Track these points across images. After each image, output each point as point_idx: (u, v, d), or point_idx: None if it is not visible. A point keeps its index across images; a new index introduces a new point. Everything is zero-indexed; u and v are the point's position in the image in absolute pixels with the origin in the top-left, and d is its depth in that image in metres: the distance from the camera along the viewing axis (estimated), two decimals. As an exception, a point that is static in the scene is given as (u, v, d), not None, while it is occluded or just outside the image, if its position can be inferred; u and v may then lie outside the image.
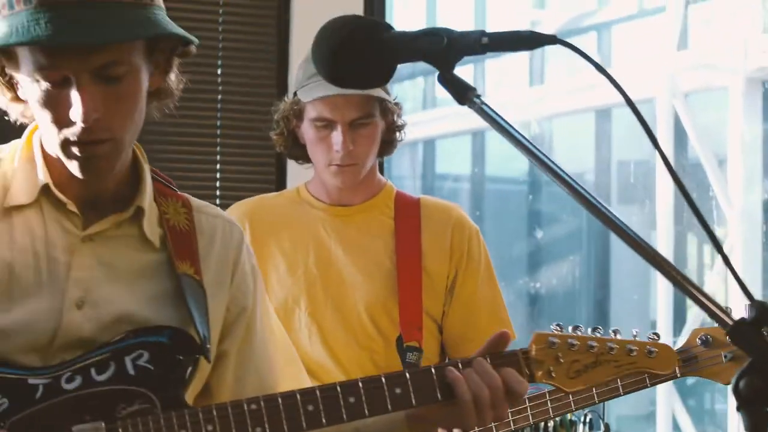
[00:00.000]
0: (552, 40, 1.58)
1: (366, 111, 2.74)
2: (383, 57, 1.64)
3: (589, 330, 2.15)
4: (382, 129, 2.82)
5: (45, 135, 1.75)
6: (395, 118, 2.85)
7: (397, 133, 2.89)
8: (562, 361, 2.12)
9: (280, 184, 3.81)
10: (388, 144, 2.89)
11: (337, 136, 2.74)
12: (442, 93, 8.05)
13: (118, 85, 1.69)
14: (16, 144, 1.84)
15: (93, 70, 1.66)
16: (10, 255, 1.73)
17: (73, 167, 1.73)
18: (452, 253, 2.84)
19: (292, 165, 3.38)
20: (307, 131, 2.81)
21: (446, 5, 7.87)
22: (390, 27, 1.66)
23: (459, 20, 7.92)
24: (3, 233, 1.75)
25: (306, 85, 2.74)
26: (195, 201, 1.96)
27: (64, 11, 1.63)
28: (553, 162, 1.54)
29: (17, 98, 1.74)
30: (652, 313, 6.86)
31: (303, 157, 2.91)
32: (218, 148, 3.97)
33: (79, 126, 1.66)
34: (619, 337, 2.17)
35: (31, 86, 1.68)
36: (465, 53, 1.62)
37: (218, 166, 3.97)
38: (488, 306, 2.84)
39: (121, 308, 1.77)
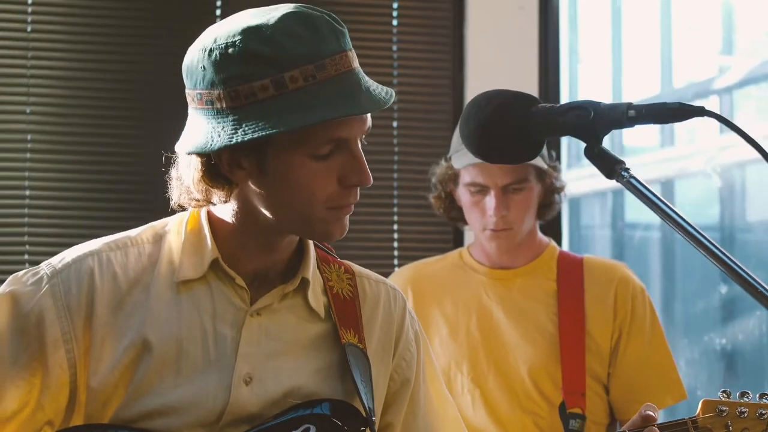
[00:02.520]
0: (701, 111, 1.57)
1: (519, 176, 2.74)
2: (530, 132, 1.64)
3: (757, 396, 2.10)
4: (539, 192, 2.81)
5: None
6: (553, 181, 2.83)
7: (556, 196, 2.86)
8: (731, 429, 2.07)
9: (457, 244, 3.81)
10: (547, 207, 2.87)
11: (490, 201, 2.75)
12: (630, 141, 7.95)
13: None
14: (180, 218, 1.86)
15: (365, 133, 1.74)
16: (178, 330, 1.76)
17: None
18: (616, 313, 2.80)
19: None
20: (463, 195, 2.83)
21: (632, 58, 7.77)
22: (537, 101, 1.65)
23: (644, 68, 7.79)
24: (171, 308, 1.77)
25: (459, 151, 2.75)
26: (357, 267, 1.98)
27: (337, 83, 1.67)
28: (705, 237, 1.52)
29: (221, 180, 1.73)
30: None
31: (461, 219, 2.93)
32: (395, 209, 4.01)
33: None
34: (791, 404, 2.11)
35: (312, 164, 1.69)
36: (612, 127, 1.61)
37: (395, 227, 4.01)
38: (656, 366, 2.78)
39: (289, 382, 1.79)
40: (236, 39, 1.66)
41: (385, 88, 1.75)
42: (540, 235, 2.92)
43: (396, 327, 1.94)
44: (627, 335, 2.79)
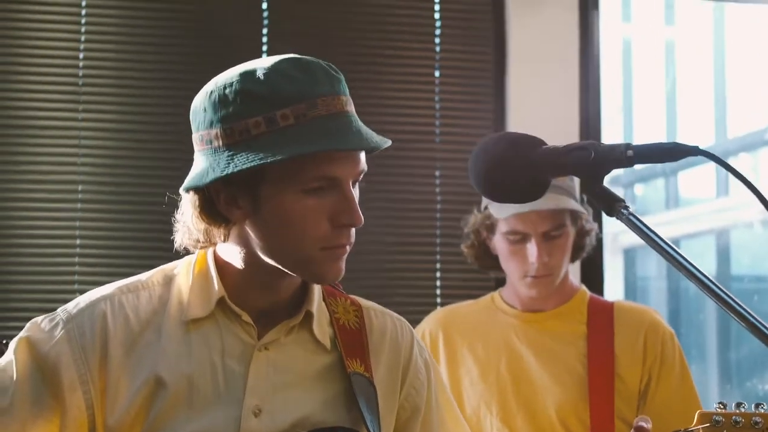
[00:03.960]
0: (695, 151, 1.61)
1: (558, 222, 2.78)
2: (535, 173, 1.69)
3: (753, 406, 2.12)
4: (573, 236, 2.84)
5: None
6: (584, 224, 2.86)
7: (587, 238, 2.90)
8: None
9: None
10: (579, 249, 2.91)
11: (531, 248, 2.78)
12: (685, 193, 7.91)
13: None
14: (189, 260, 1.93)
15: (358, 175, 1.78)
16: (189, 367, 1.81)
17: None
18: (645, 357, 2.82)
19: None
20: (500, 244, 2.86)
21: (686, 109, 7.76)
22: (542, 143, 1.71)
23: (699, 119, 7.78)
24: (182, 346, 1.83)
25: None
26: (364, 301, 2.03)
27: (328, 122, 1.73)
28: (705, 275, 1.55)
29: (219, 218, 1.80)
30: None
31: (494, 267, 2.97)
32: (438, 257, 4.05)
33: None
34: (784, 412, 2.12)
35: (301, 199, 1.74)
36: (612, 166, 1.65)
37: (438, 274, 4.05)
38: (684, 412, 2.78)
39: (297, 414, 1.83)
40: (234, 80, 1.75)
41: (379, 135, 1.80)
42: (571, 279, 2.95)
43: (404, 356, 1.98)
44: (657, 379, 2.81)
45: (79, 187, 3.83)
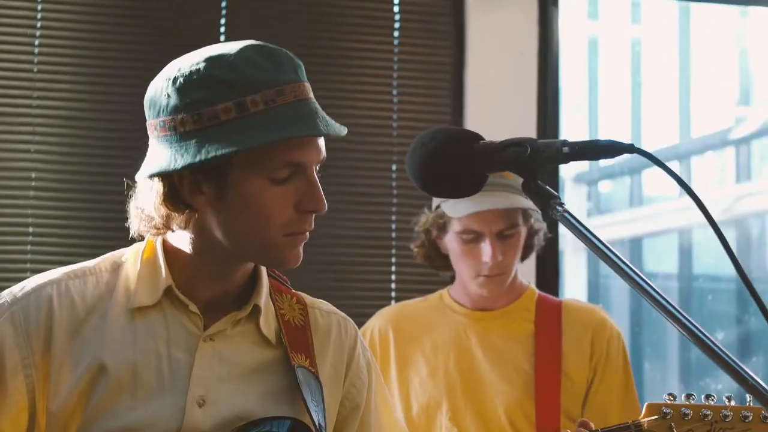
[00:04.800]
0: (630, 149, 1.61)
1: (511, 221, 2.78)
2: (472, 167, 1.69)
3: (703, 397, 2.12)
4: (524, 235, 2.85)
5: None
6: (534, 223, 2.87)
7: (536, 237, 2.91)
8: (675, 431, 2.09)
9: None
10: (528, 248, 2.91)
11: (485, 247, 2.77)
12: (649, 191, 7.94)
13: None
14: (137, 247, 1.91)
15: (320, 161, 1.80)
16: (133, 355, 1.80)
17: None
18: (592, 354, 2.83)
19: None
20: (451, 243, 2.85)
21: (651, 108, 7.78)
22: (479, 137, 1.70)
23: (665, 118, 7.81)
24: (127, 333, 1.82)
25: (450, 200, 2.78)
26: (309, 298, 2.02)
27: (296, 108, 1.75)
28: (638, 275, 1.55)
29: (181, 205, 1.78)
30: None
31: (444, 267, 2.97)
32: (393, 251, 4.05)
33: None
34: (733, 403, 2.13)
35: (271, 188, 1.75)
36: (548, 162, 1.65)
37: (393, 269, 4.05)
38: (625, 411, 2.80)
39: (241, 405, 1.83)
40: (200, 66, 1.73)
41: (337, 123, 1.82)
42: (519, 277, 2.95)
43: (347, 354, 1.98)
44: (600, 376, 2.83)
45: (33, 174, 3.81)
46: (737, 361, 1.42)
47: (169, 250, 1.87)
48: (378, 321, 2.99)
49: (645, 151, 1.60)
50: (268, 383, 1.87)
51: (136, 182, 1.84)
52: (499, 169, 1.68)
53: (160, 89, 1.77)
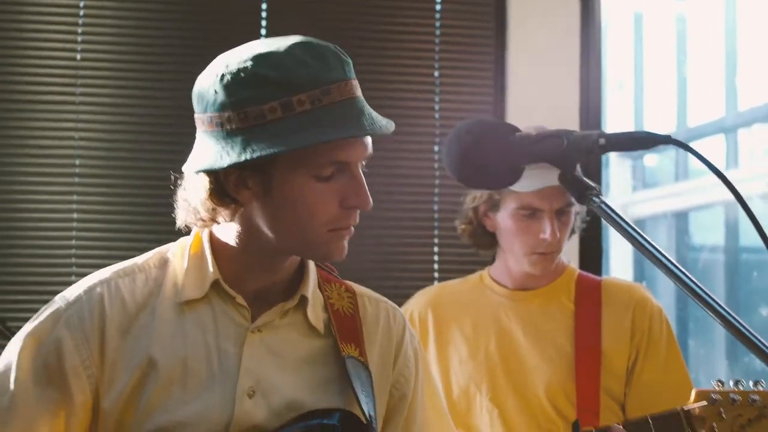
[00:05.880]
0: (666, 140, 1.60)
1: (568, 199, 2.75)
2: (509, 159, 1.69)
3: (751, 383, 2.11)
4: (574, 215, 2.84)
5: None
6: (577, 205, 2.86)
7: (578, 218, 2.90)
8: (724, 416, 2.09)
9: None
10: (573, 231, 2.90)
11: (546, 225, 2.75)
12: (695, 165, 7.89)
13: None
14: (184, 242, 1.93)
15: (366, 158, 1.81)
16: (183, 349, 1.82)
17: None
18: (633, 333, 2.81)
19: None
20: (505, 221, 2.83)
21: (696, 79, 7.72)
22: (516, 129, 1.70)
23: (711, 92, 7.74)
24: (176, 328, 1.84)
25: None
26: (357, 286, 2.03)
27: (342, 108, 1.74)
28: (675, 265, 1.55)
29: (227, 199, 1.80)
30: None
31: (488, 245, 2.95)
32: (436, 231, 4.06)
33: None
34: (781, 388, 2.12)
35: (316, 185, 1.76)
36: (584, 154, 1.65)
37: (436, 249, 4.06)
38: (672, 387, 2.76)
39: (291, 395, 1.84)
40: (247, 64, 1.73)
41: (385, 118, 1.82)
42: (560, 257, 2.94)
43: (395, 343, 1.99)
44: (644, 355, 2.80)
45: (77, 162, 3.85)
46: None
47: (216, 244, 1.88)
48: (417, 302, 2.99)
49: (681, 142, 1.60)
50: (318, 373, 1.88)
51: (182, 174, 1.85)
52: (536, 161, 1.68)
53: (208, 84, 1.77)
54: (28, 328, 1.84)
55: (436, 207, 4.06)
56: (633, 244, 1.59)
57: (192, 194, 1.82)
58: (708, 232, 8.36)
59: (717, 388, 2.15)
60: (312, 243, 1.80)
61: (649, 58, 7.93)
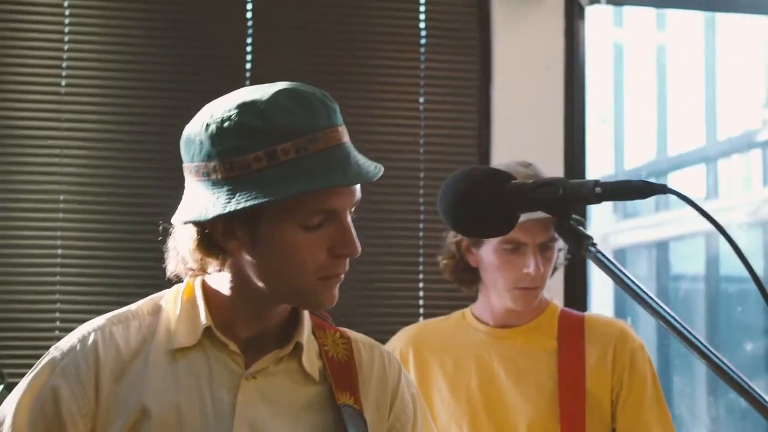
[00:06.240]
0: (663, 189, 1.61)
1: (552, 233, 2.72)
2: (504, 207, 1.69)
3: None
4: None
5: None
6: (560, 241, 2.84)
7: (561, 254, 2.87)
8: None
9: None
10: (553, 268, 2.86)
11: (530, 259, 2.72)
12: (672, 197, 7.97)
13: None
14: (177, 289, 1.92)
15: (354, 205, 1.80)
16: (176, 397, 1.81)
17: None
18: (614, 366, 2.79)
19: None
20: (488, 255, 2.79)
21: (676, 109, 7.77)
22: (510, 177, 1.70)
23: (691, 122, 7.79)
24: (169, 376, 1.82)
25: None
26: (351, 332, 2.02)
27: (328, 155, 1.72)
28: (673, 317, 1.55)
29: (215, 249, 1.79)
30: None
31: (469, 282, 2.92)
32: (421, 267, 4.05)
33: None
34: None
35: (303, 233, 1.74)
36: (580, 203, 1.65)
37: (421, 285, 4.05)
38: (657, 424, 2.77)
39: None
40: (231, 113, 1.72)
41: (373, 162, 1.80)
42: (543, 293, 2.90)
43: (391, 389, 1.98)
44: (628, 388, 2.78)
45: (61, 197, 3.83)
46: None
47: (208, 291, 1.87)
48: (399, 341, 2.96)
49: (678, 191, 1.60)
50: (314, 421, 1.87)
51: (172, 225, 1.84)
52: (531, 209, 1.68)
53: (194, 134, 1.77)
54: (24, 381, 1.84)
55: (421, 242, 4.06)
56: (629, 293, 1.59)
57: (181, 244, 1.82)
58: (688, 262, 8.40)
59: None
60: (302, 292, 1.79)
61: (629, 89, 7.97)
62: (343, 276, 1.81)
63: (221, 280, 1.84)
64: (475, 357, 2.86)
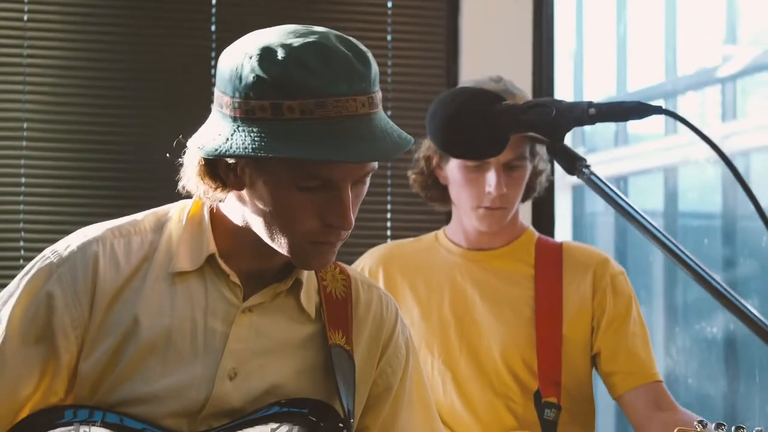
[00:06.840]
0: (658, 110, 1.60)
1: (520, 152, 2.67)
2: (494, 129, 1.68)
3: (733, 428, 2.10)
4: (529, 171, 2.75)
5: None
6: (538, 163, 2.78)
7: (539, 179, 2.81)
8: None
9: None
10: (530, 189, 2.81)
11: (491, 177, 2.65)
12: (634, 130, 7.96)
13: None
14: (183, 206, 1.89)
15: (362, 177, 1.73)
16: (169, 320, 1.79)
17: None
18: (594, 293, 2.73)
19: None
20: (453, 172, 2.73)
21: (636, 47, 7.77)
22: (501, 98, 1.69)
23: (649, 58, 7.79)
24: (165, 298, 1.80)
25: None
26: (353, 270, 1.99)
27: (334, 125, 1.64)
28: (666, 237, 1.55)
29: (218, 179, 1.76)
30: None
31: (440, 199, 2.86)
32: (389, 197, 4.03)
33: None
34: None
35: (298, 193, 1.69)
36: (573, 124, 1.65)
37: (389, 215, 4.04)
38: (642, 343, 2.73)
39: (272, 381, 1.82)
40: (256, 53, 1.67)
41: (398, 140, 1.71)
42: (519, 219, 2.85)
43: (386, 332, 1.96)
44: (611, 311, 2.73)
45: (25, 125, 3.76)
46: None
47: (216, 216, 1.84)
48: (368, 260, 2.89)
49: (673, 112, 1.61)
50: (302, 360, 1.86)
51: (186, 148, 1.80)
52: (523, 131, 1.67)
53: (222, 62, 1.73)
54: (19, 283, 1.81)
55: (389, 173, 4.03)
56: (623, 215, 1.59)
57: (188, 164, 1.79)
58: (647, 197, 8.44)
59: (698, 429, 2.14)
60: (289, 248, 1.75)
61: (589, 25, 7.96)
62: (338, 244, 1.76)
63: (231, 208, 1.81)
64: (449, 279, 2.80)
